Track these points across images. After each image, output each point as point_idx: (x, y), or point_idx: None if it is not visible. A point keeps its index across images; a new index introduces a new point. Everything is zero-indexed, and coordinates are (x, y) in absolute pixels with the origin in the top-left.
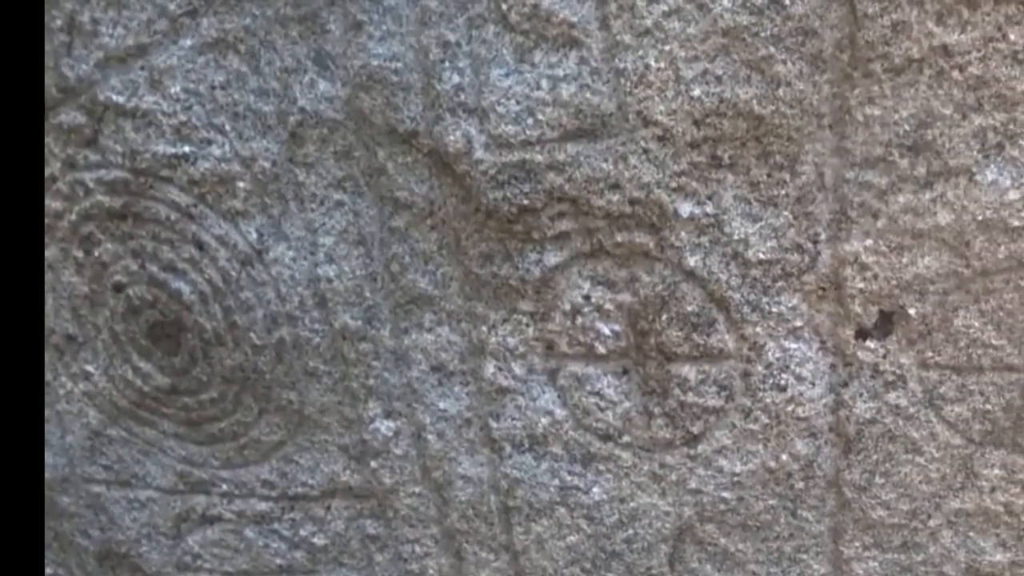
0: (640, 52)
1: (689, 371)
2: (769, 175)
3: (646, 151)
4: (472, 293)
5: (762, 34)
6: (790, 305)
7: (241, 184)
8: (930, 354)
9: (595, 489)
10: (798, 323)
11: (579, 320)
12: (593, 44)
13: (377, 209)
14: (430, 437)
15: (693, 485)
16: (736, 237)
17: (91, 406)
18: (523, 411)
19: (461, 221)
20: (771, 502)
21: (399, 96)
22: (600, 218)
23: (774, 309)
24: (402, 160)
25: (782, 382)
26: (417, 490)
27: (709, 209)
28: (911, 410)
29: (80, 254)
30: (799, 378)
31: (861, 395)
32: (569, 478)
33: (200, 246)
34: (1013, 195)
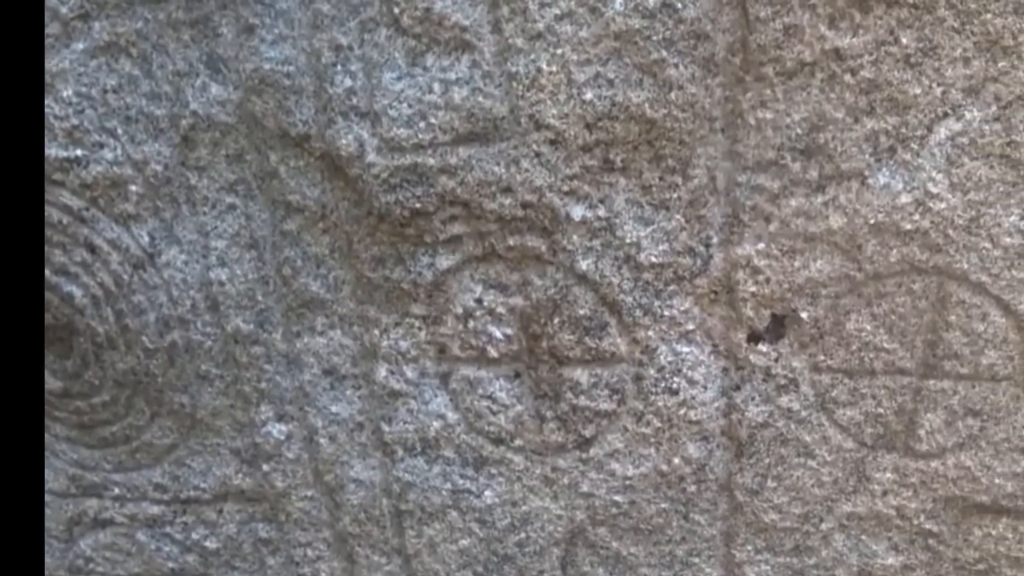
0: (532, 56)
1: (581, 375)
2: (661, 179)
3: (538, 155)
4: (364, 297)
5: (654, 38)
6: (682, 308)
7: (133, 188)
8: (822, 358)
9: (487, 493)
10: (690, 326)
11: (471, 323)
12: (485, 48)
13: (269, 213)
14: (322, 441)
15: (585, 488)
16: (628, 240)
17: None
18: (415, 415)
19: (353, 225)
20: (663, 505)
21: (291, 100)
22: (492, 222)
23: (666, 313)
24: (294, 164)
25: (674, 386)
26: (309, 493)
27: (601, 212)
28: (803, 414)
29: None
30: (691, 382)
31: (753, 399)
32: (461, 481)
33: (92, 249)
34: (905, 199)
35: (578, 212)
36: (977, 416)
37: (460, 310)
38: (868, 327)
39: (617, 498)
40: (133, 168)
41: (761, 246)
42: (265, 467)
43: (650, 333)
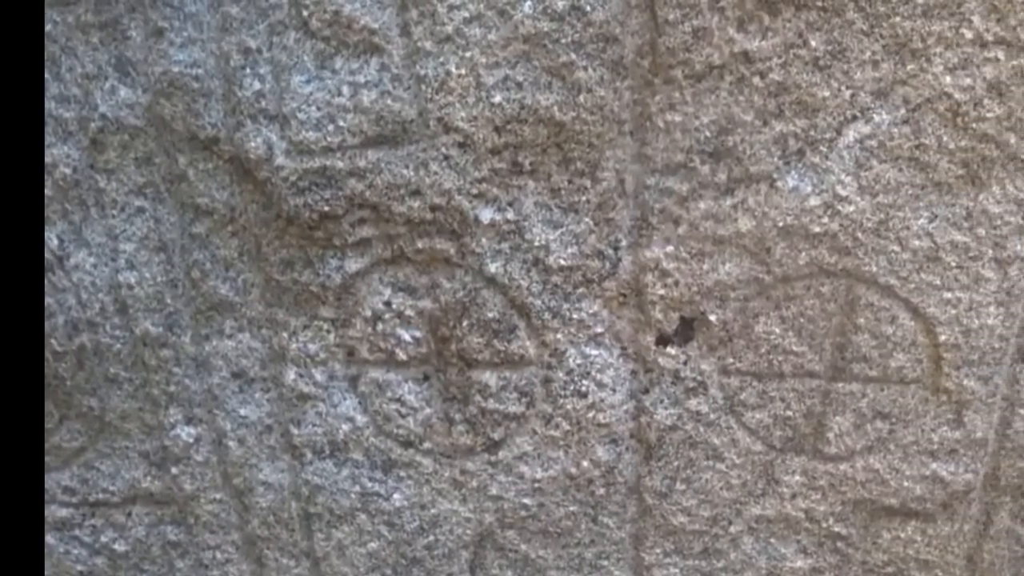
0: (441, 58)
1: (490, 377)
2: (570, 181)
3: (447, 157)
4: (273, 299)
5: (563, 40)
6: (591, 311)
7: None
8: (731, 360)
9: (396, 495)
10: (599, 329)
11: (380, 326)
12: (394, 50)
13: (178, 215)
14: (231, 443)
15: (494, 491)
16: (537, 243)
17: None
18: (324, 417)
19: (262, 227)
20: (572, 508)
21: (200, 103)
22: (401, 224)
23: (575, 315)
24: (203, 166)
25: (583, 388)
26: (218, 496)
27: (510, 215)
28: (712, 416)
29: None
30: (600, 384)
31: (662, 401)
32: (370, 484)
33: None
34: (814, 201)
35: (487, 215)
36: (886, 419)
37: (369, 313)
38: (777, 330)
39: (526, 501)
40: None
41: (670, 249)
42: (174, 470)
43: (559, 336)
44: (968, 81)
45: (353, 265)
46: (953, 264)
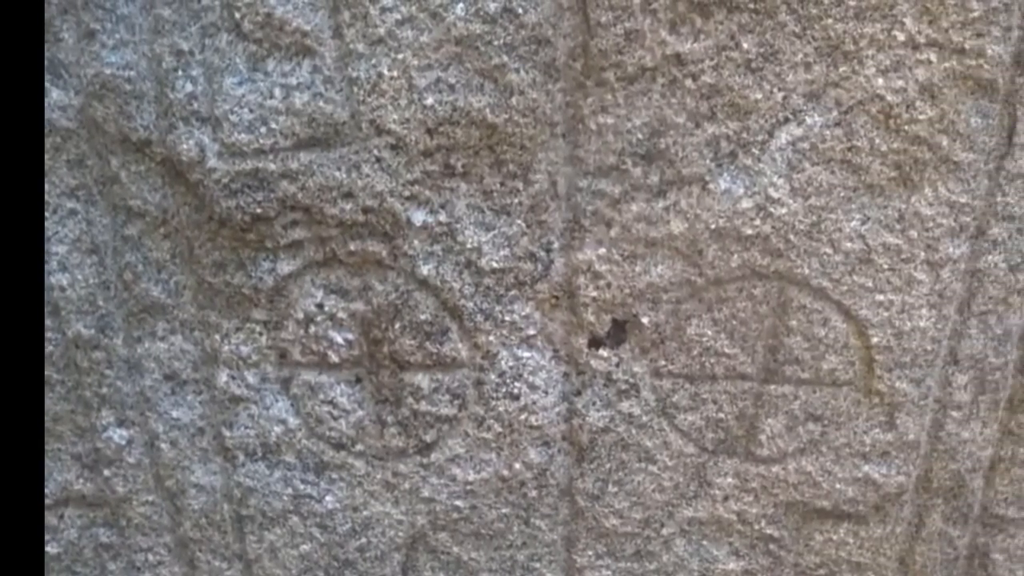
0: (373, 61)
1: (422, 380)
2: (502, 184)
3: (379, 160)
4: (205, 302)
5: (495, 43)
6: (523, 314)
7: None
8: (663, 363)
9: (328, 498)
10: (531, 332)
11: (312, 329)
12: (326, 53)
13: (110, 218)
14: (163, 446)
15: (426, 494)
16: (469, 246)
17: None
18: (256, 420)
19: (194, 230)
20: (504, 511)
21: (132, 105)
22: (333, 227)
23: (507, 318)
24: (135, 169)
25: (515, 391)
26: (150, 499)
27: (442, 218)
28: (644, 419)
29: None
30: (532, 387)
31: (594, 404)
32: (302, 487)
33: None
34: (746, 204)
35: (419, 217)
36: (818, 421)
37: (301, 315)
38: (709, 332)
39: (458, 503)
40: None
41: (602, 251)
42: (106, 472)
43: (491, 338)
44: (900, 83)
45: (285, 267)
46: (885, 266)
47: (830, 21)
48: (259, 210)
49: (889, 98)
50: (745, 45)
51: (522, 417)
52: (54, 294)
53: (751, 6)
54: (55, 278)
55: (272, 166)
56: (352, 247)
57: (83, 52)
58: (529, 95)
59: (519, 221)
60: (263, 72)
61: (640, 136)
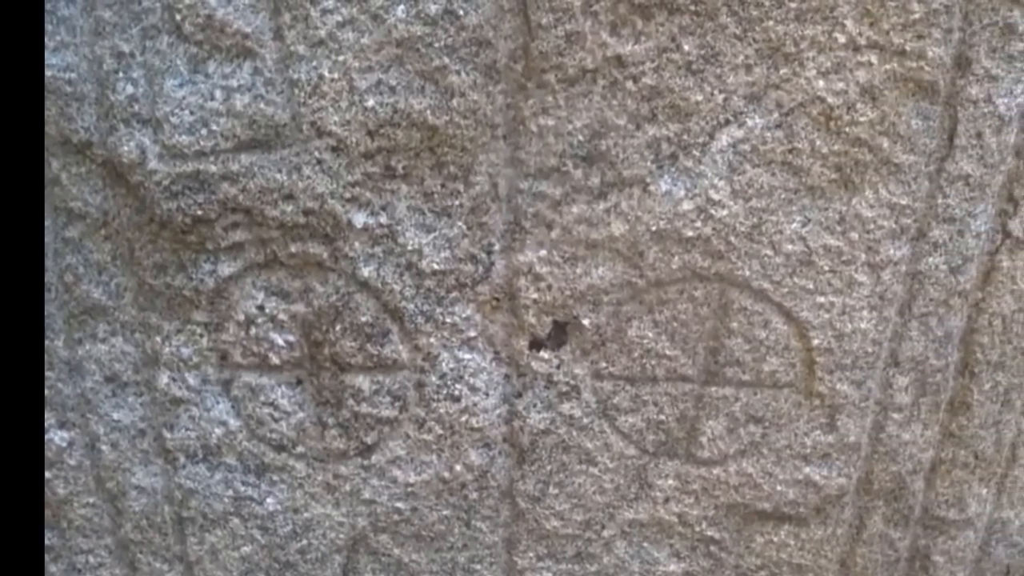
0: (314, 63)
1: (363, 381)
2: (443, 185)
3: (320, 161)
4: (146, 303)
5: (436, 45)
6: (464, 315)
7: None
8: (604, 364)
9: (269, 500)
10: (472, 333)
11: (253, 330)
12: (267, 55)
13: (51, 219)
14: (104, 448)
15: (367, 495)
16: (410, 247)
17: None
18: (197, 421)
19: (135, 232)
20: (445, 512)
21: (73, 106)
22: (274, 228)
23: (448, 320)
24: (76, 170)
25: (456, 392)
26: (91, 500)
27: (383, 219)
28: (585, 420)
29: None
30: (473, 388)
31: (535, 405)
32: (243, 488)
33: None
34: (687, 205)
35: (360, 219)
36: (759, 423)
37: (242, 317)
38: (650, 334)
39: (399, 505)
40: None
41: (543, 253)
42: (47, 474)
43: (432, 340)
44: (841, 85)
45: (226, 269)
46: (826, 268)
47: (771, 23)
48: (200, 212)
49: (830, 100)
50: (686, 47)
51: (463, 419)
52: None
53: (692, 8)
54: None
55: (213, 168)
56: (293, 249)
57: None
58: (470, 97)
59: (460, 223)
60: (204, 74)
61: (581, 138)
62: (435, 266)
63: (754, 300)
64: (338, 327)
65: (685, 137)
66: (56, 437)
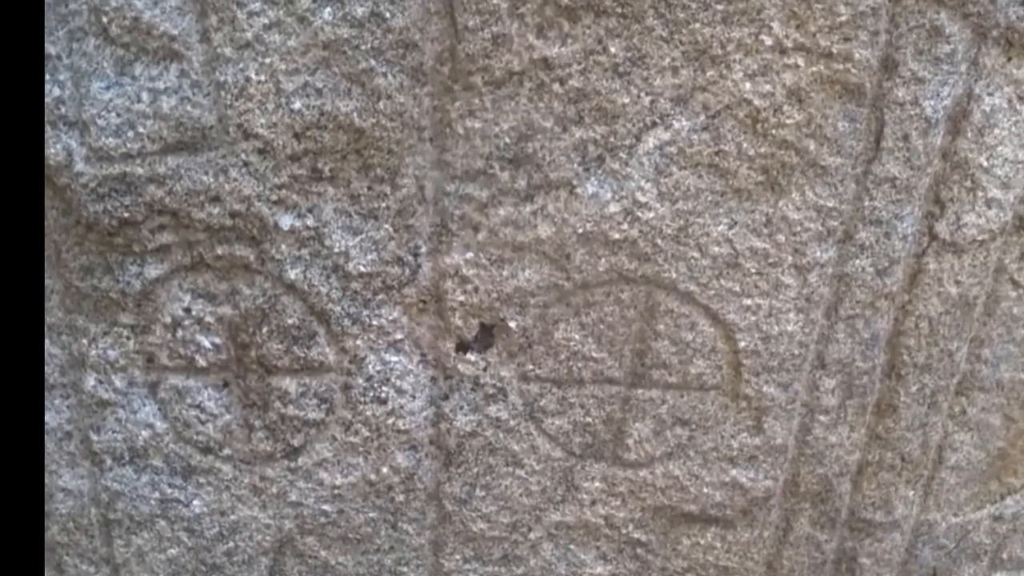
0: (241, 65)
1: (290, 384)
2: (370, 188)
3: (247, 164)
4: (72, 306)
5: (363, 47)
6: (391, 318)
7: None
8: (531, 367)
9: (195, 502)
10: (399, 336)
11: (180, 333)
12: (194, 57)
13: None
14: None
15: (294, 498)
16: (337, 250)
17: None
18: (124, 424)
19: (62, 234)
20: (372, 515)
21: None
22: (201, 231)
23: (375, 322)
24: None
25: (383, 395)
26: None
27: (310, 222)
28: (512, 423)
29: None
30: (400, 391)
31: (462, 408)
32: (170, 491)
33: None
34: (613, 208)
35: (286, 221)
36: (685, 425)
37: (169, 319)
38: (577, 336)
39: (325, 507)
40: None
41: (469, 255)
42: None
43: (359, 343)
44: (768, 87)
45: (153, 271)
46: (753, 270)
47: (698, 25)
48: (127, 214)
49: (756, 102)
50: (613, 49)
51: (389, 421)
52: None
53: (619, 11)
54: None
55: (140, 170)
56: (220, 251)
57: None
58: (396, 99)
59: (387, 225)
60: (131, 76)
61: (508, 140)
62: (362, 268)
63: (680, 302)
64: (265, 329)
65: (612, 139)
66: None
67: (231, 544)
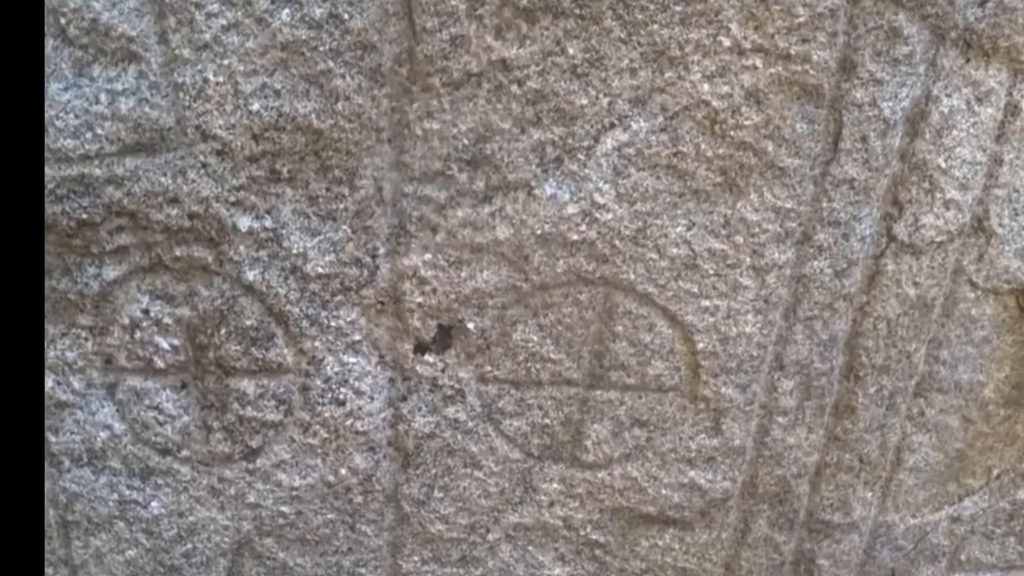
0: (199, 66)
1: (248, 385)
2: (328, 189)
3: (205, 165)
4: None
5: (321, 48)
6: (349, 319)
7: None
8: (489, 368)
9: (154, 503)
10: (357, 337)
11: (138, 334)
12: (152, 58)
13: None
14: None
15: (252, 499)
16: (295, 251)
17: None
18: (82, 425)
19: None
20: (330, 516)
21: None
22: (159, 232)
23: (333, 323)
24: None
25: (341, 396)
26: None
27: (268, 223)
28: (470, 424)
29: None
30: (358, 392)
31: (420, 409)
32: (128, 492)
33: None
34: (572, 209)
35: (245, 223)
36: (644, 427)
37: (127, 321)
38: (535, 338)
39: (284, 508)
40: None
41: (428, 257)
42: None
43: (317, 344)
44: (726, 89)
45: (111, 273)
46: (711, 272)
47: (656, 27)
48: (85, 216)
49: (715, 104)
50: (571, 51)
51: (348, 423)
52: None
53: (577, 12)
54: None
55: (98, 172)
56: (178, 253)
57: None
58: (355, 101)
59: (345, 227)
60: (89, 78)
61: (466, 142)
62: (320, 270)
63: (639, 304)
64: (223, 331)
65: (570, 141)
66: None
67: (189, 545)
